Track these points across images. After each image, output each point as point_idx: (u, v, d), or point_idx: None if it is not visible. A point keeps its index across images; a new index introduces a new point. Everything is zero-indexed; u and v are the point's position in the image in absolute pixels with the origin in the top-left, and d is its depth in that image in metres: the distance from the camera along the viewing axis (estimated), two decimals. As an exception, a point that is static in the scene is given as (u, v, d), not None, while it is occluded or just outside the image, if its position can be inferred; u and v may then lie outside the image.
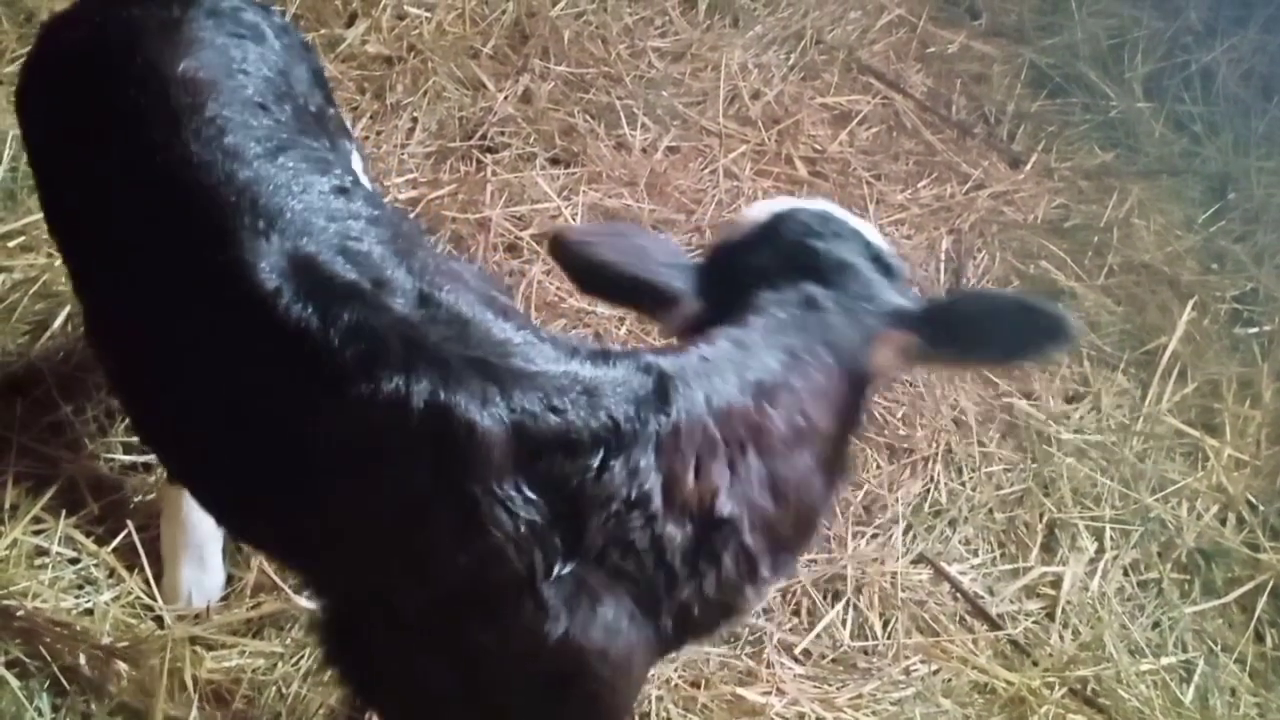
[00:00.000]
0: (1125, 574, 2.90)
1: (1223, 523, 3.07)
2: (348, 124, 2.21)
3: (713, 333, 1.62)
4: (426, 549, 1.46)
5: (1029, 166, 3.91)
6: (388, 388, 1.43)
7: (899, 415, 3.06)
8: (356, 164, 1.92)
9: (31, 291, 2.66)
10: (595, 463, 1.45)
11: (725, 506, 1.53)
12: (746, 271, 1.69)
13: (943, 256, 3.51)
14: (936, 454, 3.00)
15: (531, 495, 1.43)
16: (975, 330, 1.67)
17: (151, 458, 2.52)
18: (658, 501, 1.49)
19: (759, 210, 1.78)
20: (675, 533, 1.50)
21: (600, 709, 1.58)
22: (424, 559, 1.47)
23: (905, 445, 3.01)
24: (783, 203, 1.78)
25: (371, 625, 1.61)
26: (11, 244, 2.76)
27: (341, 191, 1.68)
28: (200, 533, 2.37)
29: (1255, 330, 3.58)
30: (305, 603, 2.36)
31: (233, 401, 1.56)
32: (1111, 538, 2.95)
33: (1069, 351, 1.70)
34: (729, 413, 1.53)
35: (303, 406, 1.50)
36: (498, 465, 1.42)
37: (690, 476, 1.50)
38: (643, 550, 1.49)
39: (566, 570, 1.46)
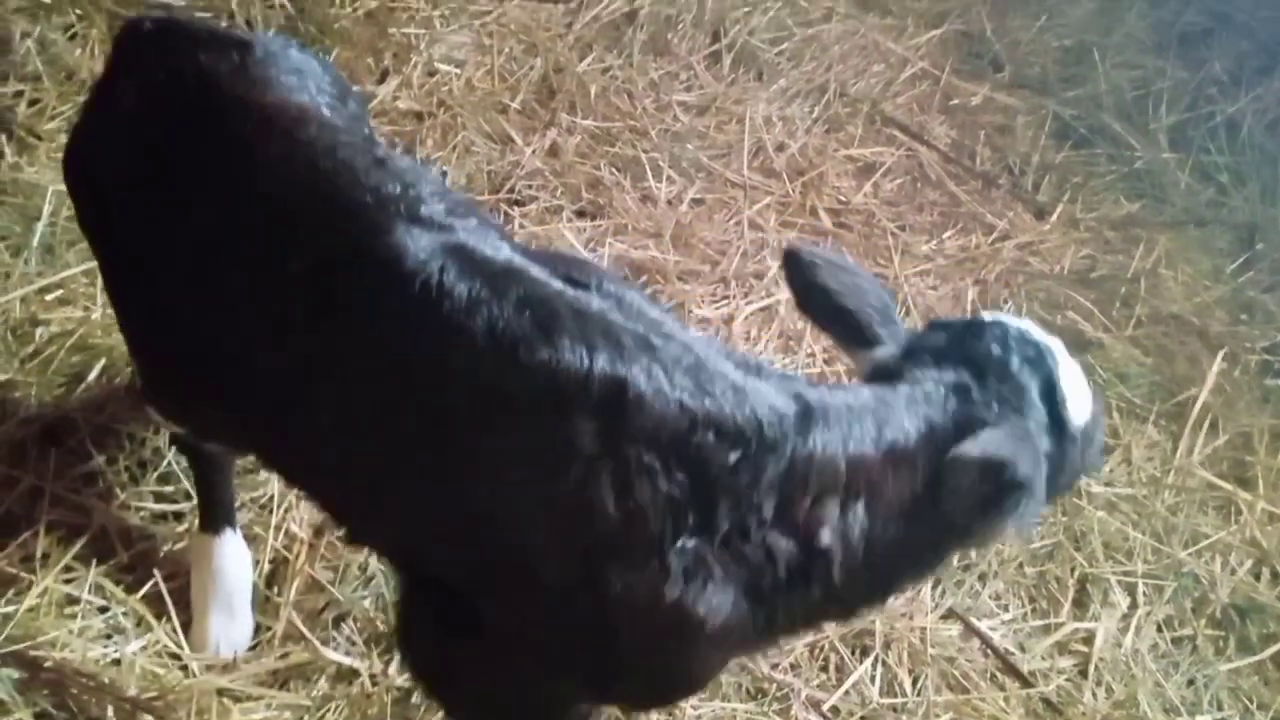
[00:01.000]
0: (1159, 630, 2.86)
1: (1257, 578, 3.02)
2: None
3: (866, 386, 1.76)
4: (585, 502, 1.58)
5: (1054, 217, 3.91)
6: (568, 354, 1.58)
7: (926, 467, 3.04)
8: None
9: (68, 344, 2.70)
10: (735, 453, 1.59)
11: (826, 538, 1.65)
12: (927, 345, 1.80)
13: (969, 307, 3.51)
14: (965, 506, 2.97)
15: (677, 469, 1.58)
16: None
17: (182, 507, 2.55)
18: (770, 511, 1.62)
19: (988, 314, 1.90)
20: (782, 543, 1.63)
21: (686, 673, 1.76)
22: (579, 511, 1.59)
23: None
24: (1010, 317, 1.86)
25: (489, 591, 1.72)
26: (49, 297, 2.81)
27: (444, 196, 1.79)
28: (230, 582, 2.38)
29: (1287, 381, 3.55)
30: (333, 655, 2.36)
31: (392, 378, 1.67)
32: (1144, 593, 2.91)
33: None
34: (860, 460, 1.65)
35: (470, 374, 1.62)
36: (655, 435, 1.58)
37: (807, 502, 1.63)
38: (757, 545, 1.62)
39: (691, 543, 1.60)
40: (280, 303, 1.74)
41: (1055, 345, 1.81)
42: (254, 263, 1.76)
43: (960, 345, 1.77)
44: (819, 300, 1.84)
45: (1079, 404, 1.76)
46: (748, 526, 1.61)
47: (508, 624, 1.74)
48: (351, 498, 1.87)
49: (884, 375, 1.78)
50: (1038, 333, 1.82)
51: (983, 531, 1.72)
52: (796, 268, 1.85)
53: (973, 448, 1.60)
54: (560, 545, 1.63)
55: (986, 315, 1.86)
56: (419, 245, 1.66)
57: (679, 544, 1.59)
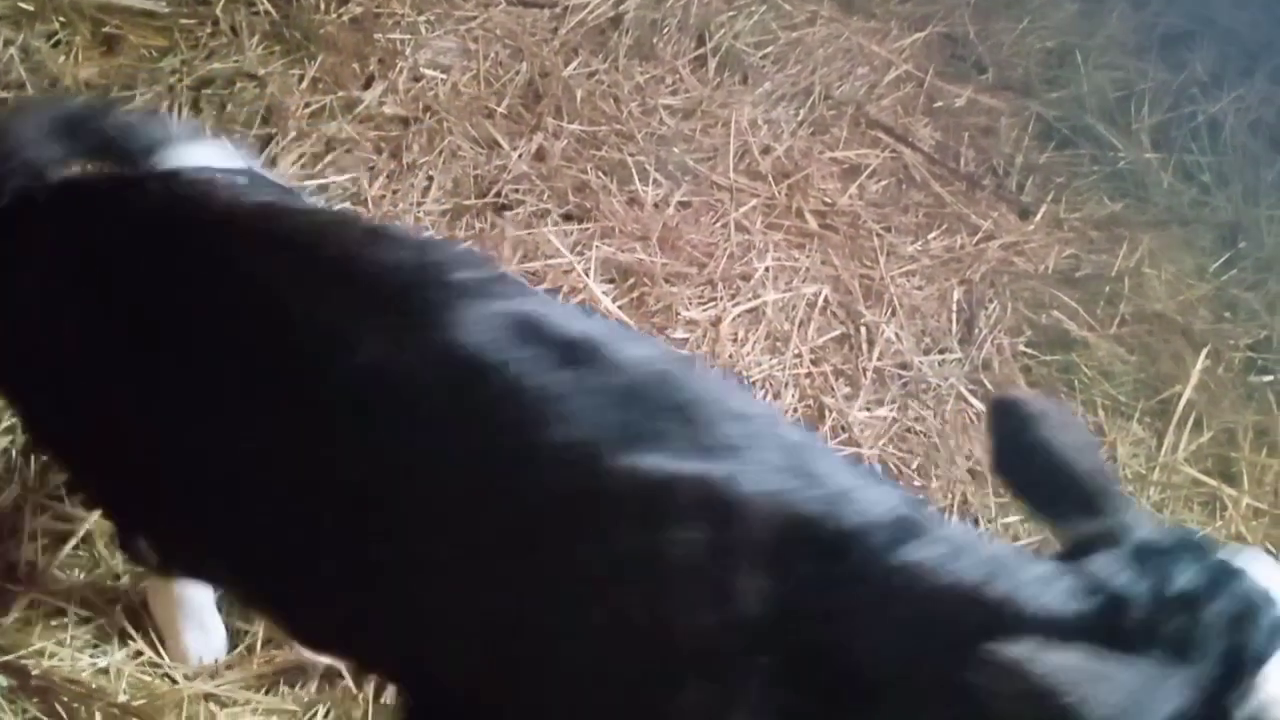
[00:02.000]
0: (1146, 626, 2.87)
1: (1244, 574, 3.03)
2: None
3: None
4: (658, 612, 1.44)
5: (1038, 217, 3.93)
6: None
7: (914, 466, 3.06)
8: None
9: (53, 350, 2.70)
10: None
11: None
12: (1138, 537, 1.42)
13: (954, 307, 3.53)
14: (952, 505, 2.99)
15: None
16: None
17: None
18: (846, 640, 1.40)
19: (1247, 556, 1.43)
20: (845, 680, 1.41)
21: None
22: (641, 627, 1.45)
23: (920, 496, 2.99)
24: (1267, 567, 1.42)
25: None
26: (34, 304, 2.81)
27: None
28: (194, 599, 2.33)
29: (1270, 378, 3.57)
30: (320, 658, 2.35)
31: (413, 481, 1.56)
32: (1131, 589, 2.92)
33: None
34: (949, 590, 1.37)
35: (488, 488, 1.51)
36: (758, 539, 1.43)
37: (879, 634, 1.39)
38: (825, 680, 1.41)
39: (760, 673, 1.40)
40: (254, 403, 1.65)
41: None
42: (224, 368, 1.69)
43: (1164, 558, 1.36)
44: (1037, 460, 1.47)
45: None
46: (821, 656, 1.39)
47: None
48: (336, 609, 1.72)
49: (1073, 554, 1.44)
50: None
51: None
52: (1013, 421, 1.50)
53: (1021, 652, 1.20)
54: (608, 667, 1.46)
55: (1241, 556, 1.40)
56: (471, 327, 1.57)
57: (743, 669, 1.39)
